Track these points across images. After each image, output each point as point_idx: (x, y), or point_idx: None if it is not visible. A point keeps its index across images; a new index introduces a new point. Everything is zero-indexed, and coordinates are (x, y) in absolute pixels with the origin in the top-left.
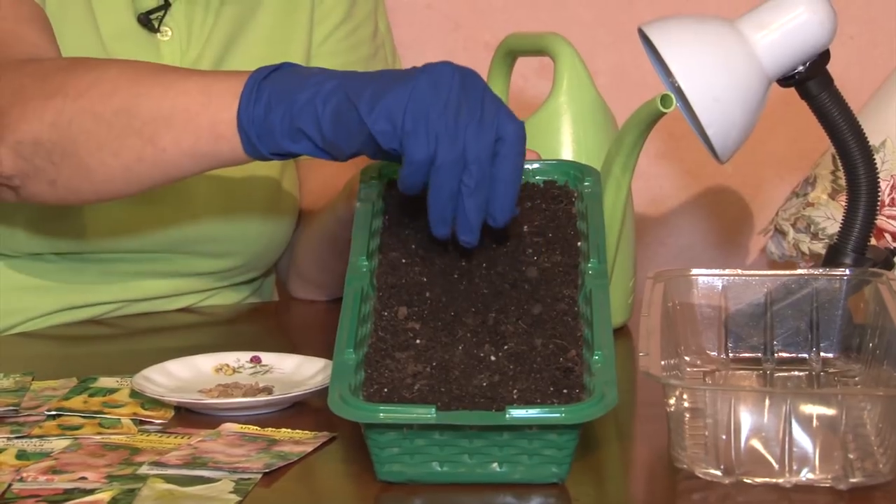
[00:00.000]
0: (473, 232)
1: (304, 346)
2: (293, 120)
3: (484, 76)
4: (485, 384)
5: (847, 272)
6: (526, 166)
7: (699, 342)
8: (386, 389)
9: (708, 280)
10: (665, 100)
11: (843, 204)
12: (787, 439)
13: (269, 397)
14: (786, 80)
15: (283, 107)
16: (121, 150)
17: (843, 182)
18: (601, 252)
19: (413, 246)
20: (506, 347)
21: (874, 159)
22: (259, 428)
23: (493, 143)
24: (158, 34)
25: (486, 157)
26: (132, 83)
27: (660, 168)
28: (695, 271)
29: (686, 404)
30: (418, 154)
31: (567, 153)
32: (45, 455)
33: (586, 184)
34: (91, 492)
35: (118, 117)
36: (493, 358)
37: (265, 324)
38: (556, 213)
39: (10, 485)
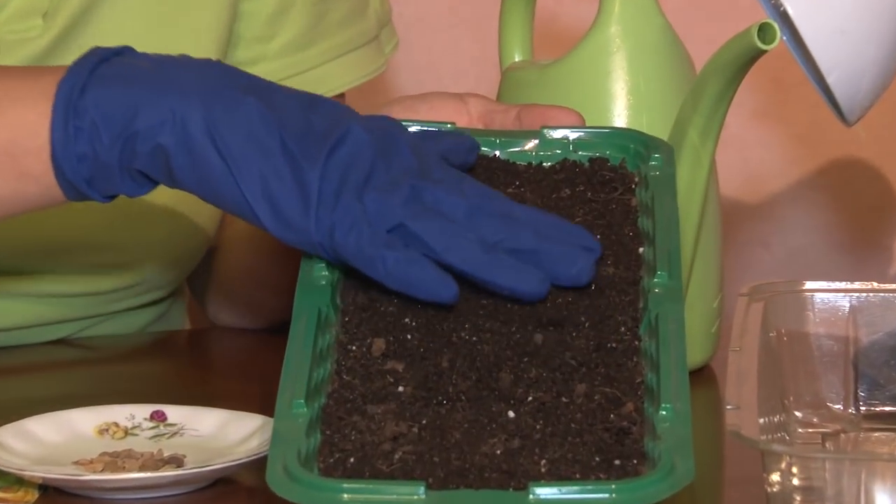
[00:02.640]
0: (533, 277)
1: (231, 395)
2: (133, 161)
3: None
4: (498, 452)
5: None
6: (566, 135)
7: (816, 390)
8: (353, 459)
9: (829, 298)
10: (765, 31)
11: None
12: None
13: (180, 472)
14: None
15: (119, 143)
16: None
17: None
18: (673, 261)
19: None
20: (530, 399)
21: None
22: None
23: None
24: None
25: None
26: None
27: (759, 132)
28: (810, 285)
29: (796, 481)
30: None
31: (620, 113)
32: None
33: (652, 163)
34: None
35: None
36: (510, 413)
37: (173, 362)
38: (607, 205)
39: None
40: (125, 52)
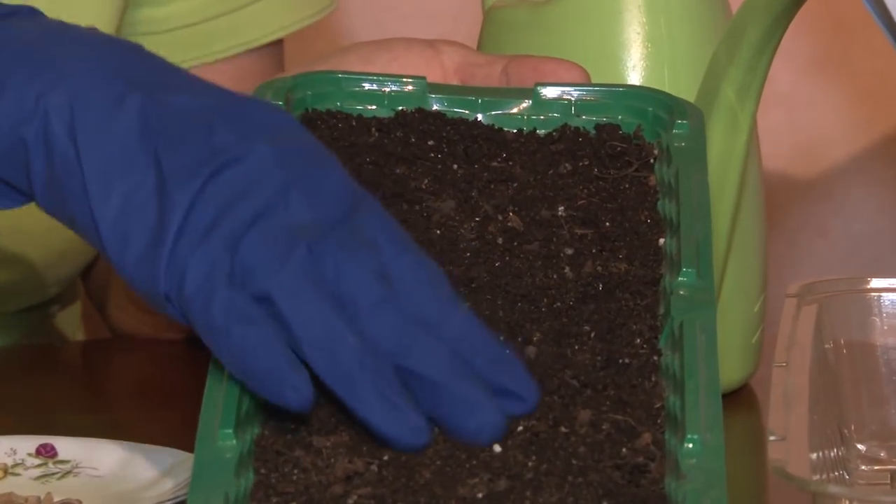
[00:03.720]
0: (408, 421)
1: (139, 424)
2: None
3: None
4: (480, 495)
5: None
6: (566, 94)
7: (883, 416)
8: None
9: None
10: None
11: None
12: None
13: None
14: None
15: None
16: None
17: None
18: (703, 255)
19: None
20: (520, 429)
21: None
22: None
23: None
24: None
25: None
26: None
27: (814, 88)
28: (877, 283)
29: None
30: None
31: (635, 65)
32: None
33: (677, 131)
34: None
35: None
36: (496, 447)
37: (64, 383)
38: (618, 184)
39: None
40: (21, 11)
